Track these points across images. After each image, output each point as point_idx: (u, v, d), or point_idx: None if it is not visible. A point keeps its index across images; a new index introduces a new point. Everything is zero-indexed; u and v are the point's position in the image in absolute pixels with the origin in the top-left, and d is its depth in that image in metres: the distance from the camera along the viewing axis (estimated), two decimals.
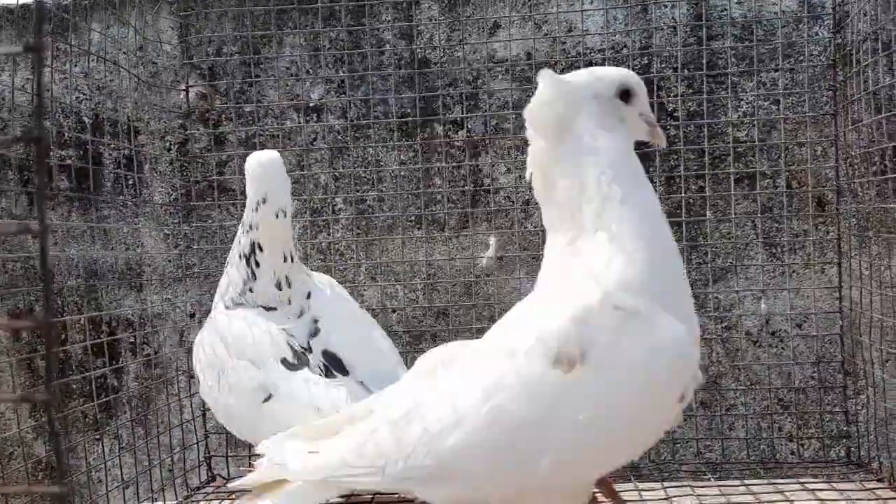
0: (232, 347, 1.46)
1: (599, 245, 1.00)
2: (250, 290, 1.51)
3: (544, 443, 0.95)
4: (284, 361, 1.43)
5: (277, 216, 1.49)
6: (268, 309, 1.50)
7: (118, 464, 1.77)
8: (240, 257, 1.51)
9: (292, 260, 1.52)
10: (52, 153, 2.03)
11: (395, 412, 1.05)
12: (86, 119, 2.03)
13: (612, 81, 1.06)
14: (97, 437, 1.99)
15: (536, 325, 0.99)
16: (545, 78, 1.05)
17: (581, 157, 1.02)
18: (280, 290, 1.50)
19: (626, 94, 1.07)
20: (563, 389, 0.94)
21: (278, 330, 1.46)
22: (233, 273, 1.53)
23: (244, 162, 1.53)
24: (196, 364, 1.53)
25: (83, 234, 2.03)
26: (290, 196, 1.52)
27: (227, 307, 1.51)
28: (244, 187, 1.53)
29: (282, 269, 1.51)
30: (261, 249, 1.50)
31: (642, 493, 1.54)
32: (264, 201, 1.48)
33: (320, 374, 1.43)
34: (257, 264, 1.50)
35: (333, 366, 1.45)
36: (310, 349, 1.46)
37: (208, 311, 1.59)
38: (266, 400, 1.41)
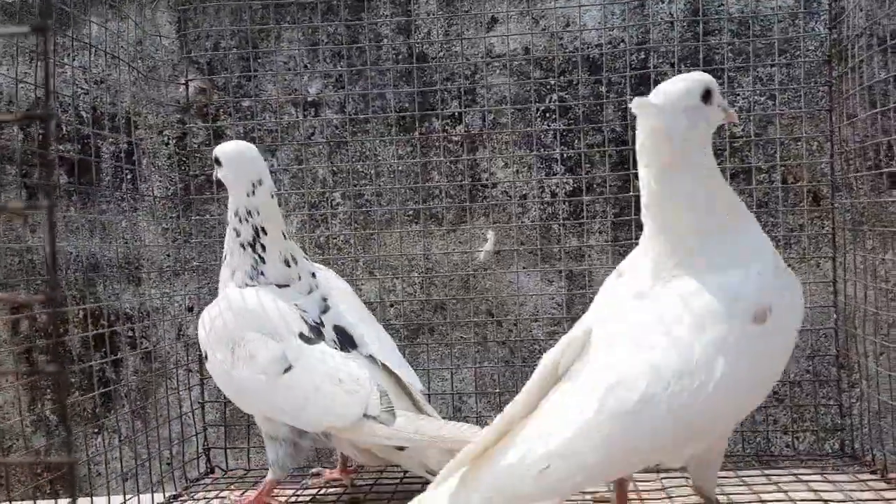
0: (249, 321, 1.46)
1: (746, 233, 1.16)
2: (261, 274, 1.51)
3: (751, 389, 1.10)
4: (301, 336, 1.45)
5: (272, 196, 1.53)
6: (280, 286, 1.51)
7: (117, 457, 1.78)
8: (242, 247, 1.52)
9: (287, 238, 1.55)
10: (51, 146, 2.03)
11: (608, 385, 1.06)
12: (84, 113, 2.03)
13: (698, 89, 1.13)
14: (95, 430, 2.00)
15: (728, 287, 1.08)
16: (649, 108, 1.11)
17: (703, 176, 1.13)
18: (289, 266, 1.53)
19: (707, 95, 1.13)
20: (762, 341, 1.07)
21: (292, 305, 1.48)
22: (237, 261, 1.53)
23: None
24: (205, 340, 1.51)
25: (81, 227, 2.03)
26: None
27: (239, 286, 1.51)
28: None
29: (285, 247, 1.53)
30: (265, 233, 1.51)
31: (637, 483, 1.55)
32: (260, 183, 1.50)
33: (335, 348, 1.46)
34: (263, 248, 1.51)
35: (344, 340, 1.47)
36: (322, 324, 1.48)
37: (208, 304, 1.59)
38: (286, 370, 1.41)
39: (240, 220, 1.51)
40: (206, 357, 1.52)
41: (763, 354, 1.08)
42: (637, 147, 1.15)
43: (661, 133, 1.10)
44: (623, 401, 1.03)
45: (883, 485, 1.49)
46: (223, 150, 1.54)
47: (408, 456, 1.43)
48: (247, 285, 1.50)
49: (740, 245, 1.13)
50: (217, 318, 1.49)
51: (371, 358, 1.48)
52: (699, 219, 1.11)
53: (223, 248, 1.58)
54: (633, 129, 1.17)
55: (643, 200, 1.16)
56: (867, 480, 1.52)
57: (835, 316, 1.80)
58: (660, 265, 1.13)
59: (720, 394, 1.04)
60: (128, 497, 1.49)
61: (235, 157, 1.52)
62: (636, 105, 1.09)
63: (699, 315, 1.07)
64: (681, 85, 1.13)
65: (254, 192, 1.50)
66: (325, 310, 1.51)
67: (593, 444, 1.03)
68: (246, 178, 1.50)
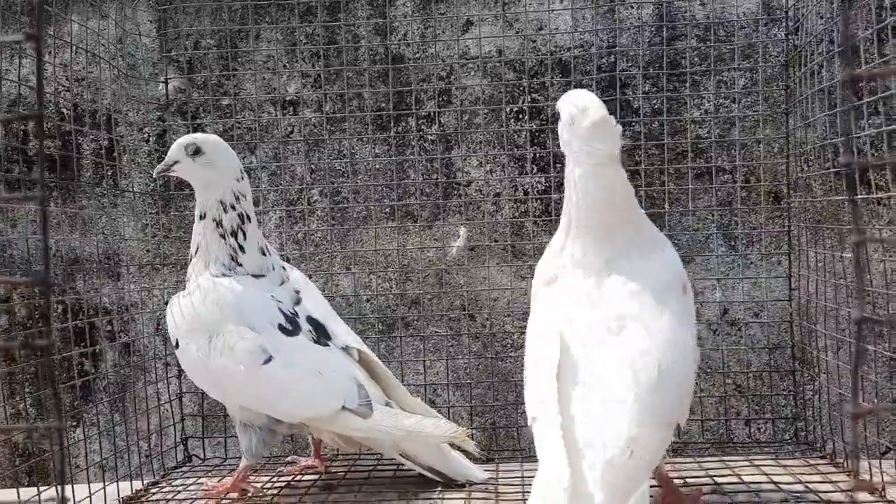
0: (227, 311, 1.46)
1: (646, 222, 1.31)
2: (239, 264, 1.52)
3: (693, 348, 1.25)
4: (281, 327, 1.47)
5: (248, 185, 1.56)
6: (256, 277, 1.53)
7: (96, 449, 1.81)
8: (223, 237, 1.52)
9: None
10: (31, 143, 2.06)
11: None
12: (65, 110, 2.06)
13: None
14: (74, 423, 2.02)
15: (662, 268, 1.25)
16: (601, 112, 1.23)
17: (622, 175, 1.28)
18: (264, 255, 1.55)
19: None
20: (689, 307, 1.27)
21: (269, 296, 1.50)
22: (214, 251, 1.52)
23: None
24: (177, 328, 1.50)
25: (62, 223, 2.06)
26: None
27: (214, 276, 1.51)
28: None
29: (260, 236, 1.57)
30: (248, 220, 1.53)
31: None
32: (243, 169, 1.55)
33: (312, 340, 1.49)
34: (244, 236, 1.52)
35: (320, 332, 1.51)
36: (297, 315, 1.51)
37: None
38: (266, 362, 1.43)
39: (224, 209, 1.52)
40: (176, 345, 1.51)
41: (691, 318, 1.27)
42: (570, 148, 1.27)
43: (601, 128, 1.22)
44: (650, 375, 1.13)
45: (832, 468, 1.56)
46: (207, 139, 1.54)
47: (383, 441, 1.49)
48: (223, 275, 1.51)
49: (647, 233, 1.29)
50: (191, 307, 1.48)
51: (346, 349, 1.53)
52: (622, 215, 1.25)
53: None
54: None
55: (573, 200, 1.26)
56: (818, 465, 1.59)
57: (790, 310, 1.87)
58: (592, 260, 1.24)
59: (690, 354, 1.21)
60: (106, 484, 1.52)
61: (221, 144, 1.54)
62: (595, 118, 1.22)
63: (654, 293, 1.20)
64: (595, 99, 1.27)
65: (241, 178, 1.53)
66: (298, 301, 1.54)
67: (639, 419, 1.10)
68: (235, 164, 1.54)
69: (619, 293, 1.20)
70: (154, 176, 1.61)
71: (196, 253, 1.56)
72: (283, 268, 1.60)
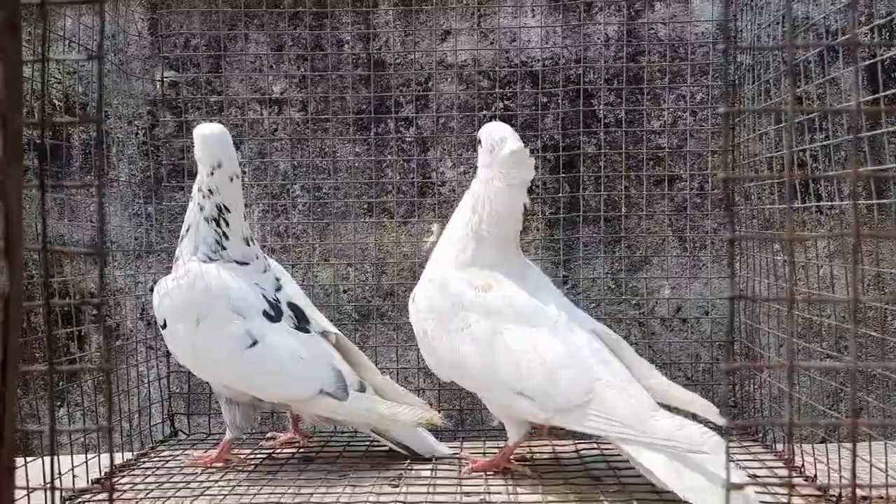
0: (215, 296, 1.54)
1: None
2: (224, 249, 1.61)
3: None
4: (265, 313, 1.57)
5: (232, 180, 1.62)
6: (240, 264, 1.62)
7: (81, 428, 1.90)
8: (207, 221, 1.60)
9: (246, 220, 1.68)
10: (23, 133, 2.13)
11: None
12: (56, 101, 2.14)
13: None
14: (59, 404, 2.11)
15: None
16: (519, 143, 1.52)
17: None
18: (248, 245, 1.64)
19: None
20: None
21: (253, 283, 1.60)
22: (202, 235, 1.60)
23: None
24: (166, 308, 1.57)
25: (51, 210, 2.14)
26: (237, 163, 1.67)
27: (202, 261, 1.59)
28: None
29: (245, 227, 1.65)
30: (227, 210, 1.61)
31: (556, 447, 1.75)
32: (220, 166, 1.61)
33: (293, 325, 1.60)
34: (227, 224, 1.61)
35: (300, 318, 1.62)
36: (279, 301, 1.61)
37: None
38: (251, 346, 1.53)
39: (204, 196, 1.61)
40: (164, 325, 1.59)
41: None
42: (490, 171, 1.53)
43: (520, 156, 1.48)
44: None
45: (770, 456, 1.71)
46: (198, 130, 1.63)
47: (357, 421, 1.63)
48: (210, 260, 1.60)
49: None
50: (179, 289, 1.56)
51: (324, 334, 1.64)
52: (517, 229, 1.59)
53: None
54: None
55: (487, 212, 1.55)
56: (757, 453, 1.73)
57: (732, 308, 2.02)
58: (508, 269, 1.55)
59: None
60: (91, 457, 1.60)
61: (202, 138, 1.62)
62: (514, 148, 1.49)
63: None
64: (512, 131, 1.55)
65: (212, 174, 1.60)
66: (279, 288, 1.65)
67: None
68: (207, 160, 1.61)
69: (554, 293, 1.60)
70: None
71: (187, 232, 1.64)
72: (266, 256, 1.70)
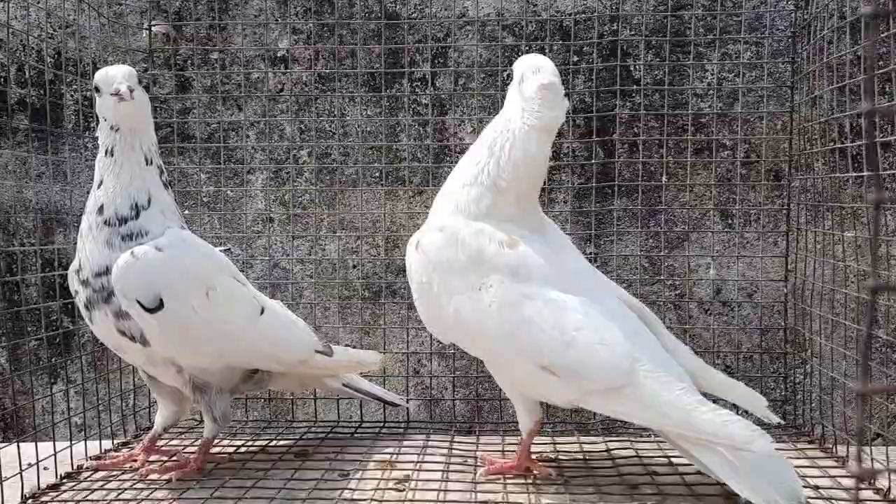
0: (217, 264, 1.41)
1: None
2: (182, 217, 1.43)
3: None
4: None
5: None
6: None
7: (72, 407, 1.77)
8: (165, 186, 1.40)
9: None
10: (11, 90, 1.99)
11: None
12: (48, 58, 1.99)
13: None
14: (52, 381, 1.99)
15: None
16: (555, 78, 1.32)
17: None
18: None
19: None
20: None
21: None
22: (166, 199, 1.39)
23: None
24: (158, 288, 1.30)
25: (43, 175, 2.00)
26: None
27: (182, 228, 1.40)
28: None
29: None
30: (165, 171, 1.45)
31: (606, 444, 1.57)
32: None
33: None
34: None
35: None
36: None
37: None
38: (261, 312, 1.44)
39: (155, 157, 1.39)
40: (159, 305, 1.29)
41: None
42: (524, 105, 1.32)
43: (553, 92, 1.30)
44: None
45: (820, 453, 1.53)
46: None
47: (332, 380, 1.68)
48: (182, 229, 1.39)
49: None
50: (177, 259, 1.32)
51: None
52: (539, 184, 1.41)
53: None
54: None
55: (506, 157, 1.34)
56: (805, 449, 1.55)
57: (785, 291, 1.83)
58: (529, 224, 1.36)
59: None
60: (74, 442, 1.48)
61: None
62: (545, 81, 1.29)
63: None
64: (551, 64, 1.33)
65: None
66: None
67: None
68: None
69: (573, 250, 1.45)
70: None
71: (149, 202, 1.36)
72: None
